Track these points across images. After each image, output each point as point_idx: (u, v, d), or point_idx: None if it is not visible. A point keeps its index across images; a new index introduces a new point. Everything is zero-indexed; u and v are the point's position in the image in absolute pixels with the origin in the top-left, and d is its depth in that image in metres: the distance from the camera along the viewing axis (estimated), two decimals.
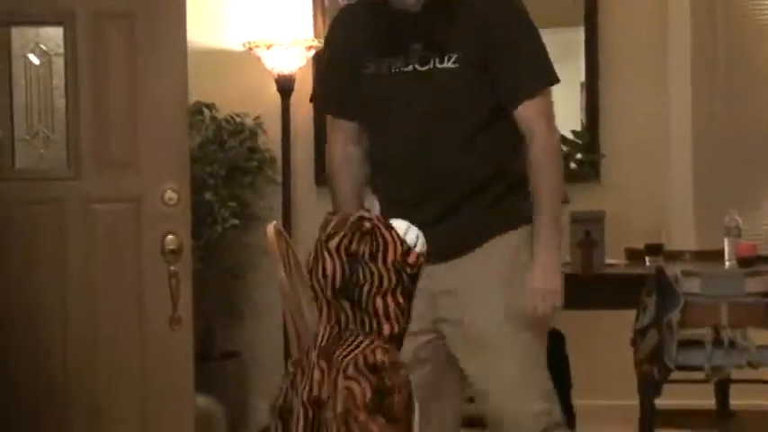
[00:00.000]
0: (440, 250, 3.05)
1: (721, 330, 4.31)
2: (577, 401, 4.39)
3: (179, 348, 4.37)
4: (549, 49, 3.36)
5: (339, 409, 2.37)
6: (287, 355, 5.62)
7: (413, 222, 2.60)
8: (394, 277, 2.47)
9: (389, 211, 3.15)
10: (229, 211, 5.82)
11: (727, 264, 4.72)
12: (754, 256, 4.69)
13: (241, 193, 5.97)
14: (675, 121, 5.97)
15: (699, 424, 4.77)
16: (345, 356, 2.39)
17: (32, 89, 4.28)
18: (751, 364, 4.32)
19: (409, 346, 2.71)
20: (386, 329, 2.46)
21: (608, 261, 4.84)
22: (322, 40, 4.04)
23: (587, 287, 4.69)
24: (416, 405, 2.46)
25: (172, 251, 4.32)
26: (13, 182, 4.30)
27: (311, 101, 3.65)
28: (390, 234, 2.50)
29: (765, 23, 5.96)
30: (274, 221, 5.18)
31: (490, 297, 3.21)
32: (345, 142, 3.41)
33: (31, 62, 4.27)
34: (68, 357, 4.32)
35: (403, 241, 2.51)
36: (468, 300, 3.21)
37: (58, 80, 4.28)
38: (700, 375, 4.44)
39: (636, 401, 4.79)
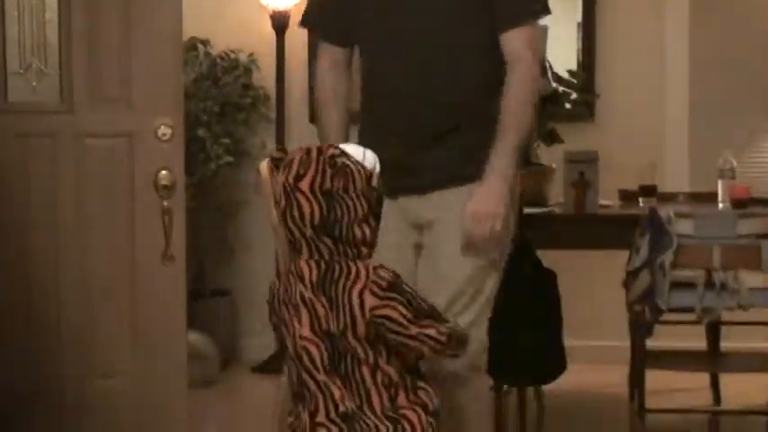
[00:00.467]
0: (418, 182, 3.13)
1: (713, 272, 4.31)
2: (569, 342, 4.40)
3: (171, 285, 4.36)
4: None
5: (366, 335, 2.47)
6: None
7: (398, 150, 2.66)
8: (365, 203, 2.54)
9: (374, 135, 3.16)
10: (223, 147, 5.81)
11: (720, 206, 4.72)
12: (748, 199, 4.68)
13: (234, 130, 5.95)
14: (671, 62, 5.95)
15: (689, 365, 4.79)
16: (350, 288, 2.45)
17: (25, 22, 4.24)
18: (742, 306, 4.33)
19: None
20: (365, 252, 2.54)
21: (601, 202, 4.83)
22: None
23: (580, 228, 4.70)
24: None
25: (165, 187, 4.30)
26: (6, 115, 4.27)
27: (300, 24, 3.57)
28: (353, 163, 2.55)
29: None
30: (267, 158, 5.20)
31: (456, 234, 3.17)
32: (333, 70, 3.39)
33: None
34: (60, 292, 4.32)
35: (364, 166, 2.57)
36: (441, 233, 3.19)
37: (51, 13, 4.24)
38: (691, 317, 4.45)
39: (627, 342, 4.82)
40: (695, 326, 4.68)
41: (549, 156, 4.91)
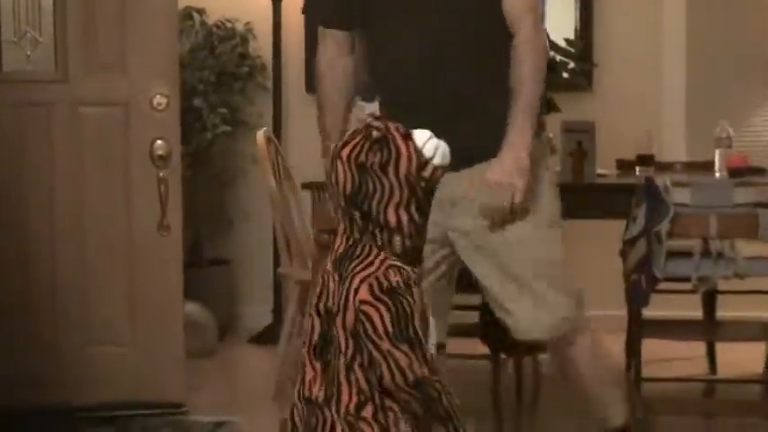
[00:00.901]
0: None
1: (710, 241, 4.31)
2: None
3: (168, 254, 4.37)
4: None
5: (352, 328, 2.31)
6: (276, 262, 5.63)
7: (425, 124, 2.51)
8: (407, 190, 2.34)
9: (396, 111, 3.08)
10: (219, 117, 5.79)
11: (717, 174, 4.71)
12: (745, 167, 4.68)
13: (231, 100, 5.93)
14: (669, 31, 5.93)
15: (686, 334, 4.79)
16: (356, 272, 2.35)
17: None
18: (738, 275, 4.33)
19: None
20: (397, 243, 2.36)
21: (599, 171, 4.83)
22: None
23: (578, 197, 4.68)
24: (431, 321, 2.43)
25: (161, 156, 4.30)
26: (0, 84, 4.27)
27: (303, 12, 3.57)
28: (406, 144, 2.35)
29: None
30: (264, 128, 5.20)
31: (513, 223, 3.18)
32: (336, 52, 3.36)
33: None
34: (57, 262, 4.32)
35: (420, 153, 2.36)
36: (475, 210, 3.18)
37: None
38: (687, 286, 4.46)
39: (624, 312, 4.82)
40: (692, 295, 4.68)
41: (546, 125, 4.89)
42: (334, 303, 2.35)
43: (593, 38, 5.94)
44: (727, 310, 5.01)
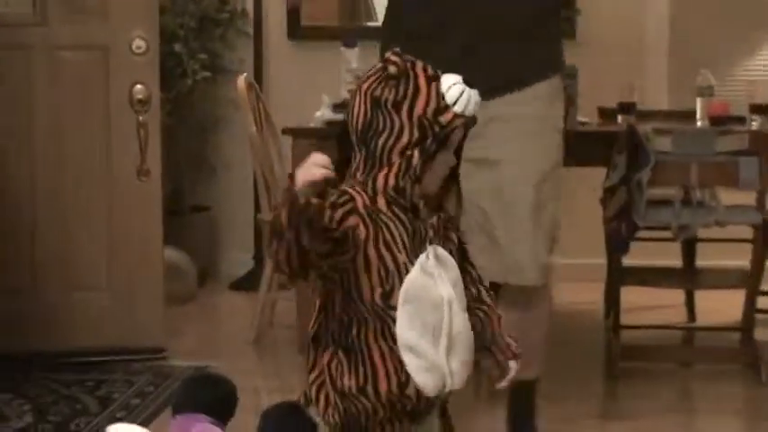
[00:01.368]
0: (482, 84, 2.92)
1: (690, 189, 4.31)
2: None
3: (147, 200, 4.36)
4: None
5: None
6: (257, 208, 5.63)
7: (438, 56, 2.32)
8: (417, 132, 2.18)
9: (407, 45, 2.64)
10: (199, 63, 5.75)
11: (698, 123, 4.71)
12: (726, 116, 4.67)
13: (211, 46, 5.89)
14: None
15: (665, 282, 4.81)
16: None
17: None
18: (718, 223, 4.34)
19: None
20: (380, 178, 2.19)
21: (580, 119, 4.81)
22: None
23: None
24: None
25: (140, 101, 4.28)
26: None
27: None
28: (428, 85, 2.19)
29: None
30: (245, 74, 5.17)
31: (520, 156, 3.18)
32: None
33: None
34: (37, 206, 4.31)
35: (441, 96, 2.19)
36: (497, 151, 3.13)
37: None
38: (667, 234, 4.47)
39: (603, 260, 4.83)
40: (671, 243, 4.70)
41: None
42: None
43: None
44: (706, 259, 5.03)
